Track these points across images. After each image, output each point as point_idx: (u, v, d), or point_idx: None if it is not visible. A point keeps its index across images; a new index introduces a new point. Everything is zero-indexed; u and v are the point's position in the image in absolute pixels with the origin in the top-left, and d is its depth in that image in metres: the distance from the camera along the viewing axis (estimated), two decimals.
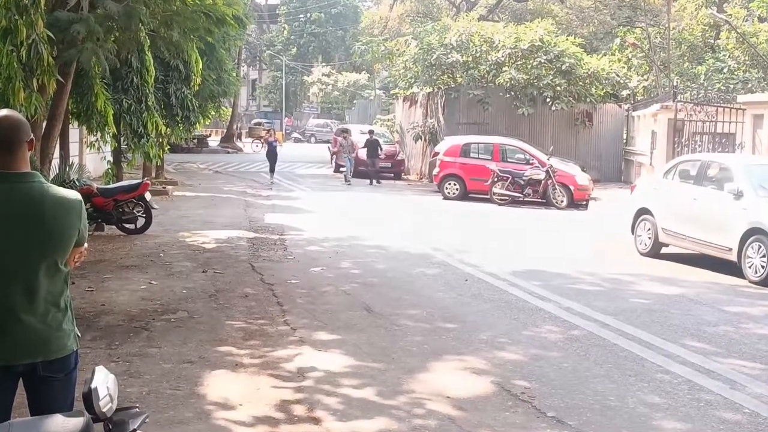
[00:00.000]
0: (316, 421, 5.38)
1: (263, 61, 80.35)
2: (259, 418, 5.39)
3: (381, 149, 26.94)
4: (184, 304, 8.65)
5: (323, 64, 71.99)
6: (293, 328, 7.77)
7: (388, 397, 5.86)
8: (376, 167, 26.95)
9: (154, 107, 16.78)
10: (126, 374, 6.15)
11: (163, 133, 18.14)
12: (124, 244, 12.79)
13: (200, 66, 16.69)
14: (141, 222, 14.02)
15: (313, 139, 57.31)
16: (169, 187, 21.52)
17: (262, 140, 21.61)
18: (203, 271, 10.55)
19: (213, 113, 25.22)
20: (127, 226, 13.97)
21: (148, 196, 14.05)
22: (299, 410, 5.55)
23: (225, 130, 48.99)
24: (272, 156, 26.72)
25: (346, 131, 29.10)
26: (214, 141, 47.41)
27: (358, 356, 6.88)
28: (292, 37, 75.80)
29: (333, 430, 5.25)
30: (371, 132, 28.50)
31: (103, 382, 2.88)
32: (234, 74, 25.41)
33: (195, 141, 40.02)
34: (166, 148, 21.73)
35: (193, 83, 17.79)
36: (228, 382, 6.11)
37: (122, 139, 17.00)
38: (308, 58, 74.89)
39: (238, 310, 8.45)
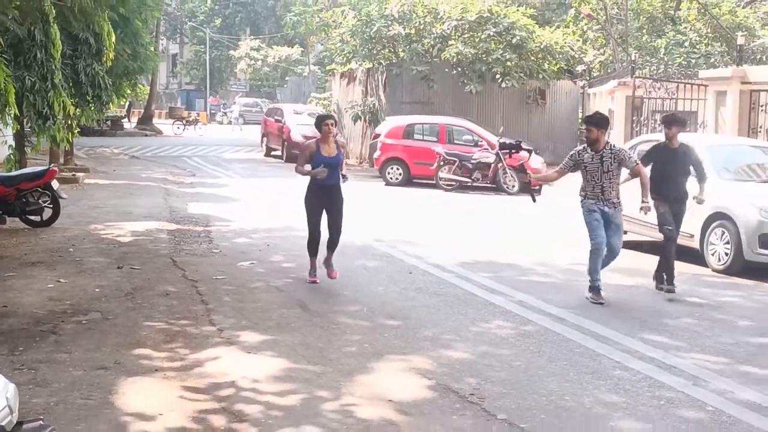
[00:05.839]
0: None
1: (185, 34, 79.44)
2: (176, 430, 5.33)
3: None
4: (97, 304, 8.52)
5: (251, 37, 71.43)
6: (219, 329, 7.71)
7: (324, 403, 5.85)
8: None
9: (62, 85, 16.37)
10: (32, 383, 6.04)
11: (71, 114, 17.76)
12: (29, 239, 12.54)
13: (113, 39, 16.38)
14: (48, 213, 13.78)
15: (240, 121, 55.50)
16: (80, 175, 21.23)
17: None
18: (118, 267, 10.40)
19: (128, 91, 24.83)
20: (32, 218, 13.72)
21: (55, 184, 13.82)
22: (220, 421, 5.50)
23: (142, 110, 48.48)
24: (333, 202, 10.80)
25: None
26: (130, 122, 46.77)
27: (292, 358, 6.86)
28: (216, 6, 75.04)
29: None
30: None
31: (2, 392, 2.83)
32: (152, 48, 24.97)
33: (108, 123, 39.44)
34: (76, 131, 21.37)
35: (105, 58, 17.43)
36: (146, 390, 6.04)
37: (25, 121, 16.59)
38: (235, 30, 74.24)
39: (158, 310, 8.36)
